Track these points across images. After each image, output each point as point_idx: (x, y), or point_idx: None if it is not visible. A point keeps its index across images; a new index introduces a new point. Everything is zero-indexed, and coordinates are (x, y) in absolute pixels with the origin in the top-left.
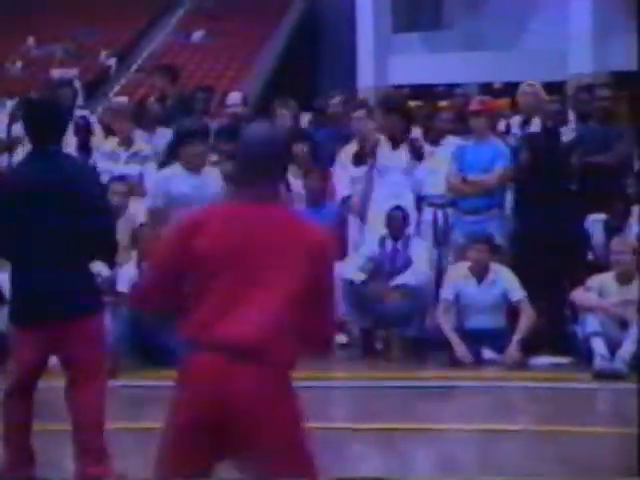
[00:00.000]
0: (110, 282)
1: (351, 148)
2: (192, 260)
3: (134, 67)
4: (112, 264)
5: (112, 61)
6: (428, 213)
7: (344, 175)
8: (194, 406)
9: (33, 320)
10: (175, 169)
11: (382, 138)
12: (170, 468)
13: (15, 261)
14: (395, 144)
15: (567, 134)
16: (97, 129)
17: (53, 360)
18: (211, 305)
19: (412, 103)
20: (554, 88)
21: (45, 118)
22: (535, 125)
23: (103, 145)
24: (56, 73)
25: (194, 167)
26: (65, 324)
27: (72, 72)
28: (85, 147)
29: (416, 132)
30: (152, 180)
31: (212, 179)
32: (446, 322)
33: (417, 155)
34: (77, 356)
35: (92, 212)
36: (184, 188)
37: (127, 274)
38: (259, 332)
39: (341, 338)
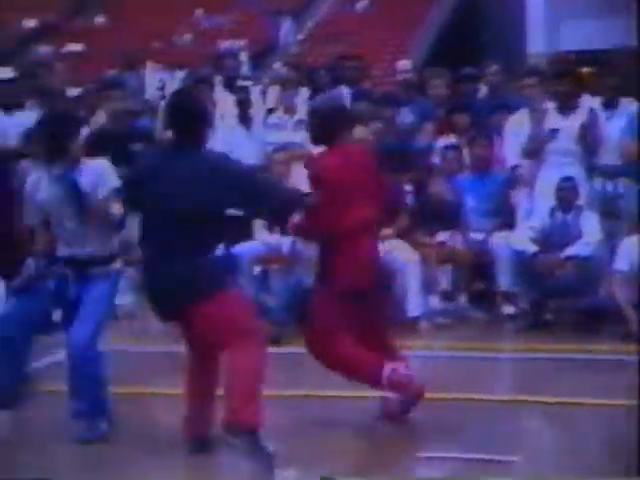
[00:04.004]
0: (276, 250)
1: (520, 116)
2: None
3: (299, 36)
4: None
5: (281, 28)
6: (597, 184)
7: (514, 144)
8: None
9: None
10: None
11: (551, 106)
12: None
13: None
14: (566, 111)
15: None
16: (261, 100)
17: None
18: None
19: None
20: None
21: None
22: None
23: (269, 115)
24: (224, 44)
25: None
26: (189, 308)
27: (240, 43)
28: (246, 118)
29: (592, 101)
30: None
31: None
32: (621, 294)
33: (592, 125)
34: (206, 336)
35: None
36: None
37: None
38: None
39: (509, 309)
